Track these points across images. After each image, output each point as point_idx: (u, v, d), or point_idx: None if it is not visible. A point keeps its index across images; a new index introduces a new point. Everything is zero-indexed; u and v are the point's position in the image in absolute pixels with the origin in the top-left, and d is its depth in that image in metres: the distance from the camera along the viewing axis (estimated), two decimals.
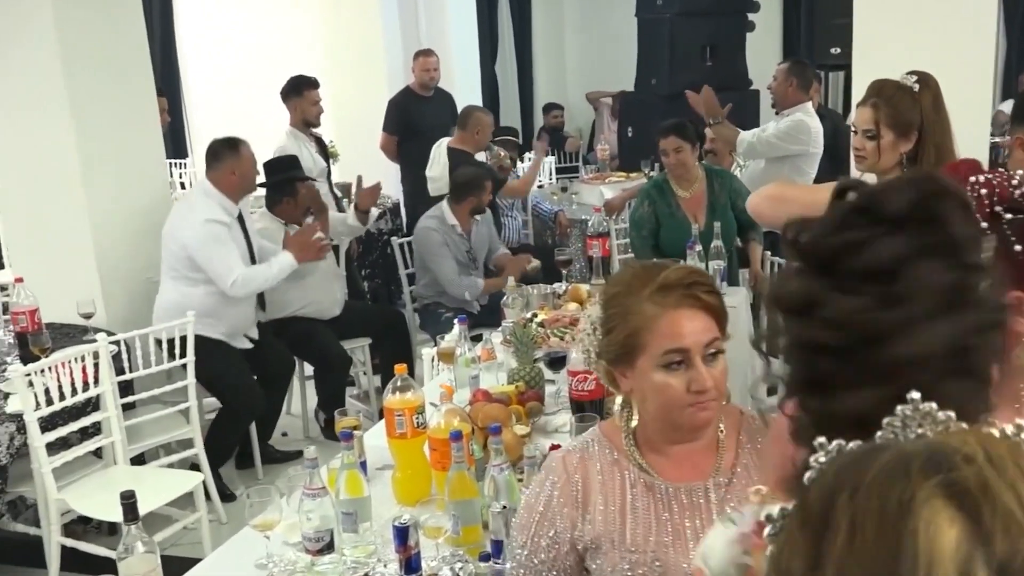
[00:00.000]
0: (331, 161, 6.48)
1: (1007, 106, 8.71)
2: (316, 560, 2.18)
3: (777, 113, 5.51)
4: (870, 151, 2.78)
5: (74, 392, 3.66)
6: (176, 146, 8.90)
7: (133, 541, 1.91)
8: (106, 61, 4.75)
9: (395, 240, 6.06)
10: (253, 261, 4.64)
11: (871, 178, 2.88)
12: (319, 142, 6.27)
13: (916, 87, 2.72)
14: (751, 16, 8.01)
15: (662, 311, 1.68)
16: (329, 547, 2.19)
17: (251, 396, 4.63)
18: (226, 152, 4.59)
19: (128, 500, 1.92)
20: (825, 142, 6.27)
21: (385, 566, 2.18)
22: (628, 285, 1.74)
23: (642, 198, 4.81)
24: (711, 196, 4.65)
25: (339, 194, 6.24)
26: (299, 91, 6.08)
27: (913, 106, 2.69)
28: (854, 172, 3.05)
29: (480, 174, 5.53)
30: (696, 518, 1.74)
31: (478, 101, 9.13)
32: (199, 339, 4.21)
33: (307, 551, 2.19)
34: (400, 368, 2.58)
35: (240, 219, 4.63)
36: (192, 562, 2.40)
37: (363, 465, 2.49)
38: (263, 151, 5.68)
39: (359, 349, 5.45)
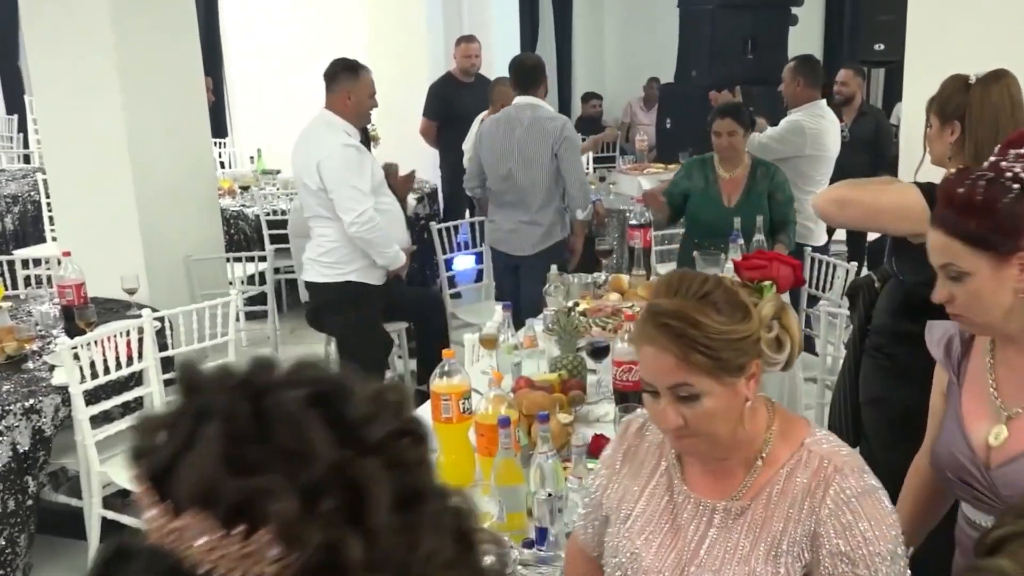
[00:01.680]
0: (372, 145, 6.51)
1: None
2: None
3: (788, 112, 5.47)
4: (928, 140, 2.78)
5: (118, 366, 3.71)
6: (217, 125, 8.96)
7: None
8: (156, 40, 4.80)
9: (433, 225, 6.09)
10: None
11: (937, 175, 2.85)
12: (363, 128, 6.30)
13: (972, 79, 2.69)
14: (794, 10, 7.95)
15: (637, 339, 1.60)
16: None
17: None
18: (342, 75, 4.40)
19: None
20: (866, 138, 6.24)
21: None
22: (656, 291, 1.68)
23: (683, 170, 4.81)
24: (750, 182, 4.64)
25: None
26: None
27: (958, 97, 2.67)
28: (902, 169, 3.05)
29: None
30: (695, 534, 1.67)
31: None
32: (354, 287, 4.23)
33: None
34: (448, 353, 2.60)
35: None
36: None
37: None
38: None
39: (395, 333, 5.48)
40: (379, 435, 0.68)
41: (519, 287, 4.96)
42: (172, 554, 0.63)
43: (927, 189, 2.66)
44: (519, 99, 4.98)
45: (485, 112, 6.12)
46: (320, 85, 6.42)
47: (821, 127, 5.23)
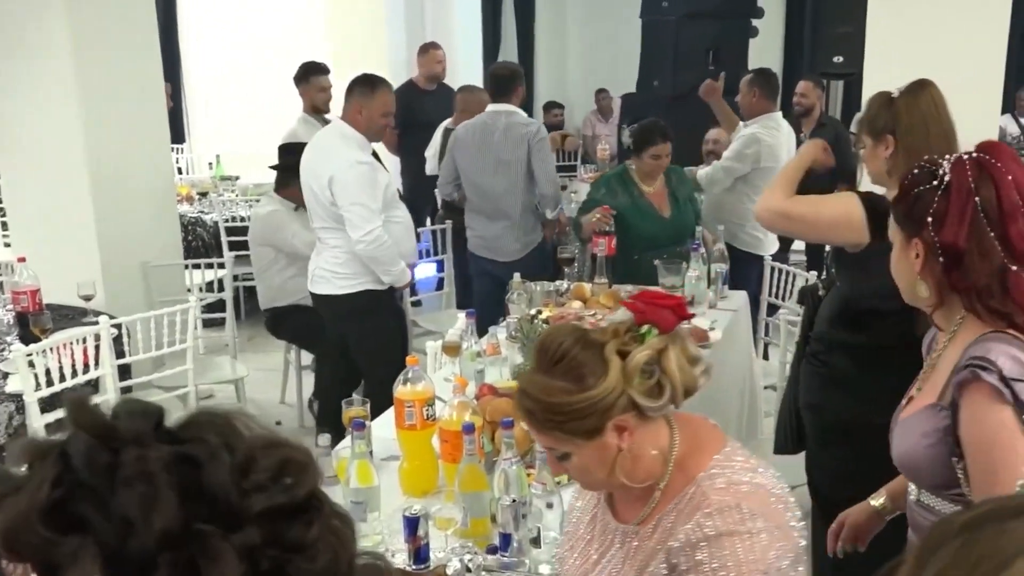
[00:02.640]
0: None
1: (1004, 120, 8.77)
2: None
3: (744, 123, 5.52)
4: (864, 160, 2.81)
5: (74, 374, 3.65)
6: (175, 131, 8.89)
7: None
8: (116, 45, 4.74)
9: None
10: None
11: (881, 189, 2.90)
12: None
13: (895, 92, 2.72)
14: (755, 22, 8.03)
15: None
16: None
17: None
18: (358, 88, 4.26)
19: None
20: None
21: (393, 556, 2.19)
22: None
23: (601, 185, 4.80)
24: (672, 191, 4.71)
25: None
26: (307, 77, 6.15)
27: (885, 111, 2.69)
28: (865, 180, 3.07)
29: None
30: (598, 551, 1.75)
31: None
32: (369, 296, 4.17)
33: None
34: (412, 360, 2.58)
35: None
36: None
37: (370, 455, 2.50)
38: (265, 138, 5.70)
39: None
40: (257, 509, 0.63)
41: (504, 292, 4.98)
42: None
43: (867, 198, 2.69)
44: (493, 106, 5.00)
45: (449, 120, 6.12)
46: (280, 92, 6.43)
47: (776, 140, 5.27)
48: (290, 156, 5.16)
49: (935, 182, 1.81)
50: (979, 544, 0.61)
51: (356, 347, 4.51)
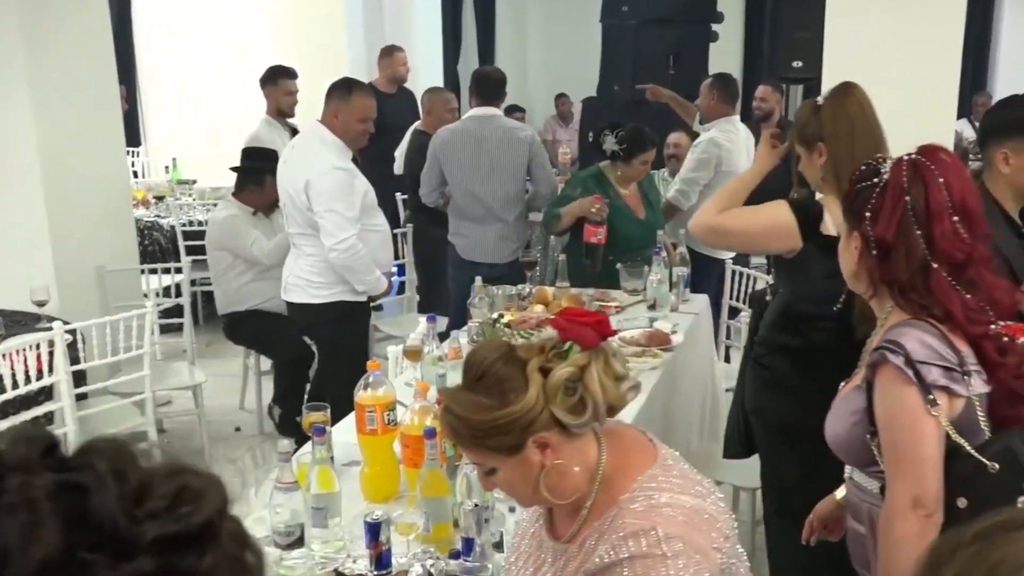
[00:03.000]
0: None
1: (961, 125, 8.90)
2: (285, 555, 2.15)
3: (702, 127, 5.56)
4: (802, 169, 2.82)
5: (27, 381, 3.58)
6: (130, 134, 8.78)
7: None
8: (69, 47, 4.67)
9: None
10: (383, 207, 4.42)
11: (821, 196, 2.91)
12: (294, 132, 6.27)
13: (820, 101, 2.74)
14: (715, 27, 8.08)
15: None
16: (299, 542, 2.16)
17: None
18: (336, 92, 4.17)
19: None
20: (786, 154, 6.35)
21: (355, 561, 2.16)
22: None
23: (576, 184, 4.80)
24: (644, 192, 4.75)
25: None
26: (274, 80, 6.12)
27: (813, 120, 2.70)
28: None
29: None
30: (534, 565, 1.76)
31: None
32: (340, 306, 4.12)
33: (276, 545, 2.16)
34: (373, 364, 2.56)
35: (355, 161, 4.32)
36: None
37: (331, 461, 2.47)
38: (223, 141, 5.65)
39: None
40: (149, 538, 0.61)
41: None
42: None
43: (797, 204, 2.71)
44: (480, 110, 4.96)
45: (418, 122, 6.12)
46: (238, 95, 6.38)
47: (734, 143, 5.30)
48: (251, 160, 5.13)
49: (876, 179, 1.91)
50: (995, 550, 0.64)
51: (327, 354, 4.46)
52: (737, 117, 5.46)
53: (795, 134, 2.78)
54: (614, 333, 1.69)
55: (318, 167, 4.04)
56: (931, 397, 1.78)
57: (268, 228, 5.05)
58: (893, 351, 1.81)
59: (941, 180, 1.86)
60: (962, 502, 1.80)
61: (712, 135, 5.29)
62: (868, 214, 1.89)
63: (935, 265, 1.85)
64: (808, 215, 2.67)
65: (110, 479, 0.63)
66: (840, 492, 2.23)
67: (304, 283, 4.25)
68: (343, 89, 4.16)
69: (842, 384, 2.08)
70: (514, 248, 4.99)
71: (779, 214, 2.70)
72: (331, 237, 4.02)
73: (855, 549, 2.07)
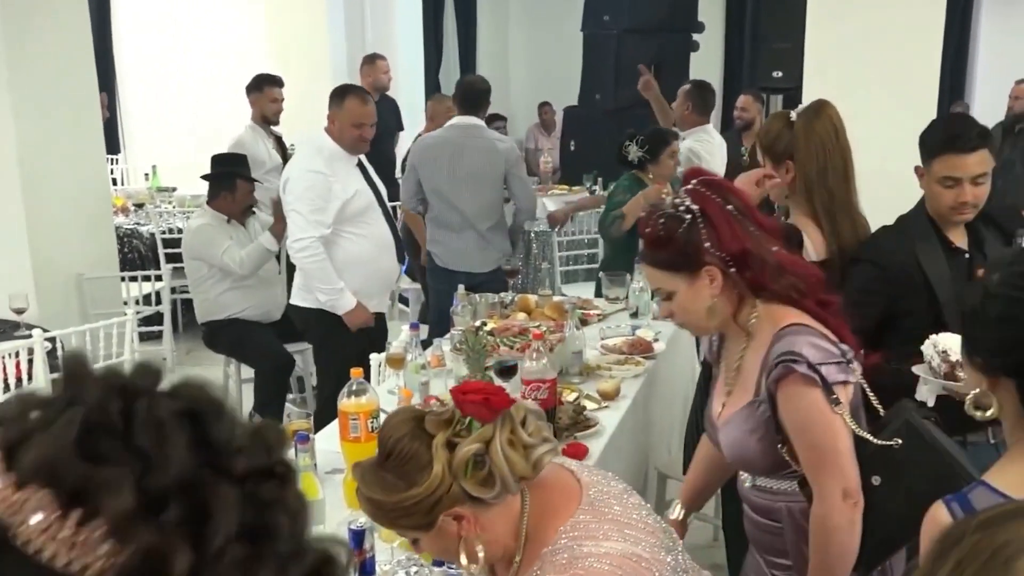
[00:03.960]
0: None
1: None
2: None
3: (680, 135, 5.59)
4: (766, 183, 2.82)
5: (7, 388, 3.56)
6: (110, 141, 8.75)
7: None
8: (49, 55, 4.65)
9: None
10: (388, 218, 4.38)
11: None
12: (278, 140, 6.31)
13: (793, 116, 2.73)
14: (695, 36, 8.13)
15: None
16: None
17: None
18: (332, 99, 4.23)
19: None
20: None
21: None
22: None
23: (624, 188, 4.82)
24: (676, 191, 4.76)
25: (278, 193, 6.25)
26: (260, 87, 6.17)
27: (785, 136, 2.70)
28: None
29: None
30: None
31: (421, 108, 9.13)
32: (322, 313, 4.11)
33: None
34: (356, 372, 2.55)
35: (363, 168, 4.31)
36: None
37: (314, 468, 2.46)
38: (203, 148, 5.63)
39: (298, 354, 5.37)
40: (242, 467, 0.68)
41: None
42: (6, 527, 0.63)
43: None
44: (461, 119, 4.94)
45: (422, 128, 6.15)
46: (218, 102, 6.37)
47: (711, 151, 5.32)
48: (221, 165, 5.12)
49: (689, 217, 1.96)
50: (998, 535, 0.68)
51: (316, 358, 4.51)
52: (711, 126, 5.49)
53: (763, 147, 2.76)
54: (511, 403, 1.65)
55: (295, 168, 4.13)
56: (834, 396, 1.89)
57: (243, 236, 5.04)
58: (795, 360, 1.88)
59: (725, 186, 2.04)
60: (876, 480, 1.92)
61: (689, 145, 5.31)
62: (707, 244, 1.94)
63: (774, 248, 2.00)
64: (791, 245, 2.68)
65: (222, 413, 0.71)
66: (674, 512, 2.35)
67: (298, 285, 4.28)
68: (337, 95, 4.22)
69: (720, 403, 2.13)
70: (493, 258, 4.97)
71: None
72: (290, 236, 4.10)
73: (766, 541, 2.14)
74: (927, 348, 2.28)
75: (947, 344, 2.23)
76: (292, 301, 4.39)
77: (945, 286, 2.53)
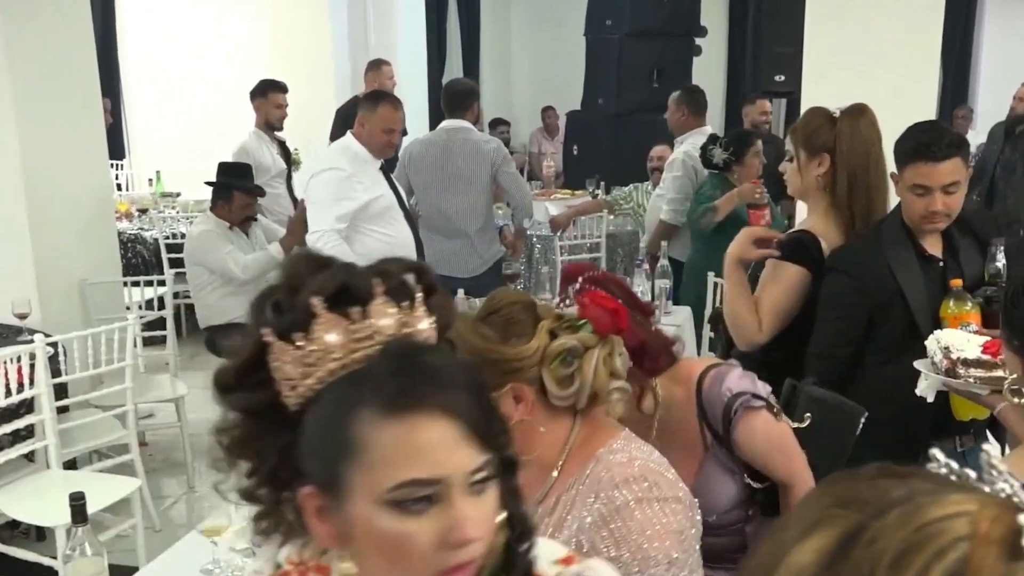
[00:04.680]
0: (293, 168, 6.49)
1: None
2: None
3: (673, 140, 5.61)
4: (790, 173, 2.83)
5: (8, 394, 3.56)
6: (114, 147, 8.76)
7: (81, 543, 1.87)
8: (52, 60, 4.66)
9: None
10: (410, 220, 4.43)
11: (802, 206, 2.93)
12: (282, 145, 6.33)
13: (836, 113, 2.75)
14: (698, 40, 8.13)
15: None
16: None
17: None
18: (363, 103, 4.40)
19: (78, 502, 1.88)
20: (770, 167, 6.43)
21: None
22: None
23: (714, 185, 4.88)
24: None
25: (299, 196, 6.25)
26: (264, 93, 6.20)
27: (826, 130, 2.72)
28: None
29: None
30: None
31: (425, 112, 9.16)
32: None
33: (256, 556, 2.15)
34: None
35: (384, 172, 4.39)
36: (126, 570, 2.35)
37: None
38: (207, 154, 5.66)
39: None
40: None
41: None
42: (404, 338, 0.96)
43: (791, 250, 2.73)
44: (448, 123, 4.97)
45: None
46: (223, 108, 6.38)
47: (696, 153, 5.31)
48: (222, 175, 5.16)
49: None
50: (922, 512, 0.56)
51: None
52: (709, 128, 5.49)
53: (800, 138, 2.76)
54: (626, 329, 1.71)
55: (319, 167, 4.25)
56: (775, 408, 2.03)
57: (244, 243, 5.06)
58: (742, 395, 1.97)
59: (609, 279, 1.93)
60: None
61: (685, 148, 5.34)
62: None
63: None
64: (807, 252, 2.70)
65: None
66: None
67: None
68: (369, 100, 4.37)
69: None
70: (479, 263, 4.98)
71: (787, 276, 2.70)
72: (309, 228, 4.21)
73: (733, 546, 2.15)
74: (930, 343, 2.29)
75: (950, 340, 2.24)
76: None
77: (918, 294, 2.52)
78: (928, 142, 2.48)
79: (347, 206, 4.14)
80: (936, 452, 0.57)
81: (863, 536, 0.51)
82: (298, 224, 4.77)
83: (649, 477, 1.58)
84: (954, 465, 0.56)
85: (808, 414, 2.11)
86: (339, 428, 0.91)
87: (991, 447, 0.55)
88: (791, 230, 2.89)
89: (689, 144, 5.33)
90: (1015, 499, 0.52)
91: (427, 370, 0.93)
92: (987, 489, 0.53)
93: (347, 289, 0.92)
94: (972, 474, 0.54)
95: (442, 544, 0.92)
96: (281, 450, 0.94)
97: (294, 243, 4.77)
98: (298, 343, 0.91)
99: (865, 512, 0.52)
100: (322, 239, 4.11)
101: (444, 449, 0.91)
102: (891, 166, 2.67)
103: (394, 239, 4.33)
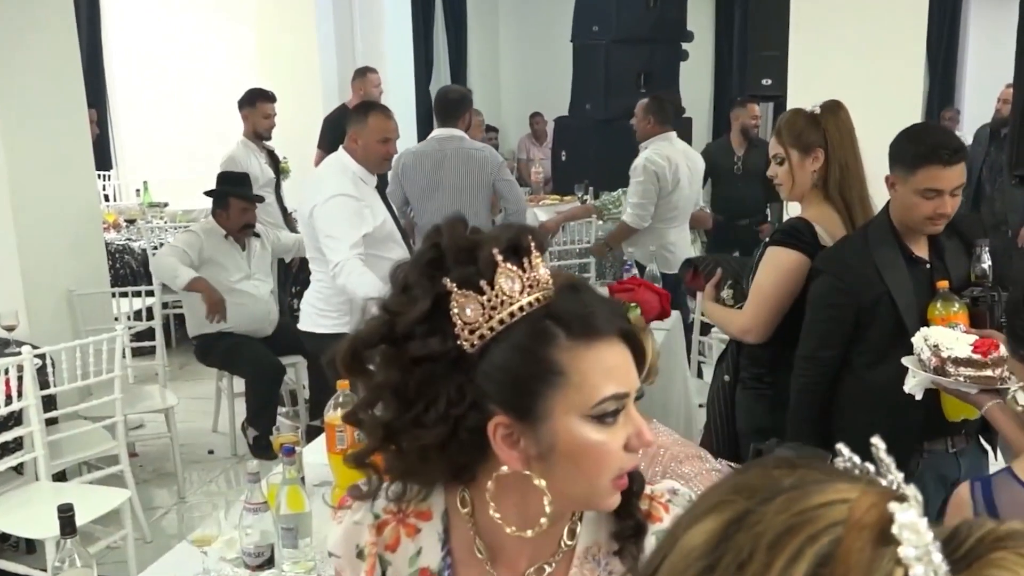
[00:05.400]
0: (282, 176, 6.48)
1: None
2: (255, 575, 2.14)
3: (638, 146, 5.64)
4: (782, 176, 2.85)
5: None
6: (101, 157, 8.74)
7: (70, 555, 1.86)
8: (37, 71, 4.64)
9: None
10: (405, 238, 4.31)
11: (796, 208, 2.95)
12: (271, 154, 6.33)
13: (818, 110, 2.80)
14: (685, 46, 8.15)
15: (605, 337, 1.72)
16: (269, 562, 2.15)
17: None
18: (353, 116, 4.18)
19: (66, 513, 1.87)
20: (758, 170, 6.44)
21: None
22: None
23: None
24: None
25: (288, 208, 6.24)
26: (253, 103, 6.20)
27: (813, 127, 2.77)
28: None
29: None
30: None
31: (412, 120, 9.15)
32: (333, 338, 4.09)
33: (247, 566, 2.15)
34: (343, 384, 2.55)
35: (380, 193, 4.26)
36: None
37: (301, 481, 2.46)
38: (195, 164, 5.66)
39: (290, 367, 5.37)
40: None
41: None
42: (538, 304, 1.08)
43: (783, 236, 2.77)
44: (440, 131, 4.91)
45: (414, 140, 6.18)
46: (210, 118, 6.37)
47: (670, 157, 5.33)
48: (220, 184, 5.19)
49: None
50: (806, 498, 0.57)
51: (315, 374, 4.49)
52: (674, 133, 5.48)
53: (790, 139, 2.80)
54: (667, 315, 1.75)
55: (323, 193, 4.02)
56: None
57: (237, 255, 5.07)
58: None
59: None
60: None
61: (647, 155, 5.37)
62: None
63: None
64: (800, 236, 2.73)
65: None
66: None
67: (313, 311, 4.21)
68: (359, 112, 4.18)
69: None
70: None
71: (779, 260, 2.74)
72: (330, 262, 3.97)
73: None
74: (917, 340, 2.29)
75: (939, 338, 2.24)
76: (304, 328, 4.29)
77: (906, 296, 2.53)
78: (941, 145, 2.48)
79: (360, 231, 3.99)
80: (841, 446, 0.60)
81: (748, 519, 0.54)
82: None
83: (698, 452, 1.69)
84: (856, 459, 0.58)
85: None
86: (538, 358, 1.06)
87: (879, 442, 0.57)
88: (786, 220, 2.92)
89: (651, 150, 5.36)
90: (896, 489, 0.54)
91: (601, 304, 1.11)
92: (883, 482, 0.55)
93: (514, 246, 1.09)
94: (871, 468, 0.57)
95: (628, 448, 1.11)
96: (457, 388, 1.06)
97: (204, 291, 4.85)
98: (483, 290, 1.05)
99: (755, 498, 0.55)
100: (346, 267, 3.95)
101: (627, 367, 1.11)
102: (875, 166, 2.69)
103: (393, 262, 4.27)
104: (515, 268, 1.07)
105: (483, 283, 1.06)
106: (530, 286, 1.07)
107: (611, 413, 1.09)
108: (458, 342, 1.06)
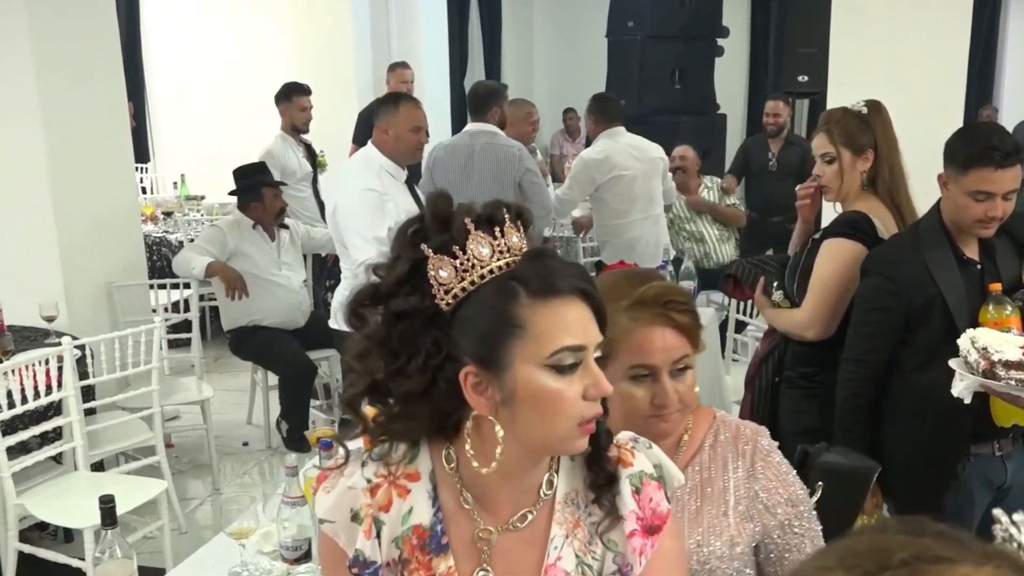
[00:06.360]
0: (319, 170, 6.52)
1: None
2: (292, 569, 2.16)
3: (587, 145, 5.63)
4: (831, 176, 2.82)
5: (36, 396, 3.59)
6: (139, 150, 8.82)
7: (110, 546, 1.88)
8: (78, 65, 4.69)
9: None
10: None
11: (838, 208, 2.92)
12: (308, 148, 6.36)
13: (865, 110, 2.80)
14: (720, 41, 8.10)
15: (635, 326, 1.67)
16: (307, 556, 2.17)
17: None
18: (383, 107, 4.12)
19: (107, 504, 1.89)
20: (793, 167, 6.40)
21: None
22: (606, 294, 1.73)
23: None
24: None
25: (325, 201, 6.28)
26: (288, 97, 6.23)
27: (864, 127, 2.77)
28: (826, 204, 3.10)
29: None
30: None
31: (447, 114, 9.17)
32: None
33: (284, 560, 2.16)
34: None
35: (410, 187, 4.20)
36: (153, 572, 2.36)
37: None
38: (232, 157, 5.69)
39: (324, 361, 5.40)
40: None
41: None
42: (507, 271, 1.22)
43: (841, 228, 2.76)
44: (472, 126, 4.95)
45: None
46: (247, 111, 6.40)
47: (608, 151, 5.28)
48: (243, 178, 5.22)
49: None
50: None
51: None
52: (621, 128, 5.41)
53: (841, 140, 2.79)
54: None
55: (348, 189, 4.02)
56: None
57: (265, 244, 5.11)
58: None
59: None
60: None
61: (583, 152, 5.43)
62: None
63: None
64: (859, 227, 2.73)
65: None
66: None
67: (338, 307, 4.21)
68: (388, 103, 4.14)
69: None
70: None
71: (837, 251, 2.72)
72: (354, 261, 3.95)
73: None
74: (963, 342, 2.24)
75: (987, 341, 2.19)
76: (335, 325, 4.24)
77: (958, 297, 2.48)
78: (995, 146, 2.42)
79: (385, 225, 3.91)
80: (999, 512, 0.54)
81: None
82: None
83: (764, 429, 1.75)
84: (1013, 531, 0.53)
85: (820, 483, 1.93)
86: (502, 313, 1.18)
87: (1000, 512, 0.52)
88: (841, 212, 2.87)
89: (592, 147, 5.39)
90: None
91: (563, 267, 1.23)
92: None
93: (487, 217, 1.22)
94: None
95: (585, 396, 1.22)
96: (434, 342, 1.19)
97: (219, 272, 4.93)
98: (456, 255, 1.19)
99: (855, 572, 0.52)
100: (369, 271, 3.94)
101: (584, 323, 1.22)
102: (926, 166, 2.66)
103: None
104: (486, 235, 1.21)
105: (456, 248, 1.20)
106: (500, 252, 1.21)
107: (569, 365, 1.21)
108: (435, 301, 1.20)
